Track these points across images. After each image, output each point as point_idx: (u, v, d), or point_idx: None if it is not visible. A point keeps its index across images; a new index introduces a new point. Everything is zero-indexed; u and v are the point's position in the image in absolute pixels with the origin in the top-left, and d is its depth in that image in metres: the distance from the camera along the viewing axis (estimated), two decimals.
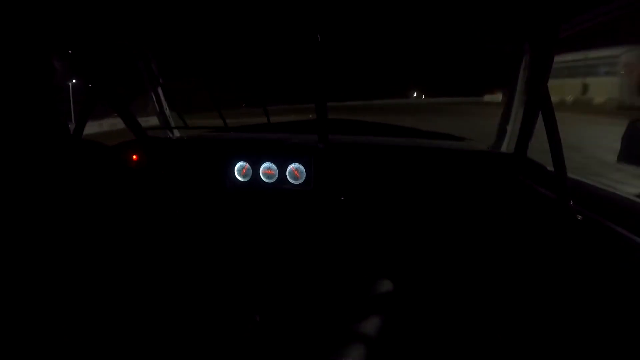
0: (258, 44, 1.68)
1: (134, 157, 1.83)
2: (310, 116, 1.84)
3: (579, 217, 1.15)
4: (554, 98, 1.20)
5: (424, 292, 1.49)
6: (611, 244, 1.00)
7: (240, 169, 1.68)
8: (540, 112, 1.28)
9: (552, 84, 1.23)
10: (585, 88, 18.03)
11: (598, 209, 1.18)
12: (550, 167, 1.34)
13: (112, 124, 8.95)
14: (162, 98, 1.99)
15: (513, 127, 1.52)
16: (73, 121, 1.66)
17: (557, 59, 1.24)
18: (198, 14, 1.46)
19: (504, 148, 1.55)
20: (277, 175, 1.64)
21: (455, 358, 1.20)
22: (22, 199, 0.56)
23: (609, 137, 7.60)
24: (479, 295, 1.40)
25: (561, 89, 17.29)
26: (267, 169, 1.64)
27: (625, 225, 1.00)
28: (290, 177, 1.62)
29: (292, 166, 1.61)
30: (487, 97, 23.90)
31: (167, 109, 2.02)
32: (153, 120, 2.13)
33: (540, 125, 1.31)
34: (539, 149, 1.43)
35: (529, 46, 1.38)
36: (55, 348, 0.53)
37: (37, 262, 0.52)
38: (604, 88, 16.49)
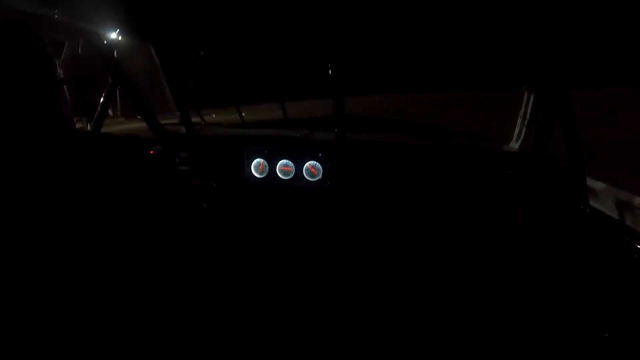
0: (275, 40, 1.68)
1: (151, 152, 1.86)
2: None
3: (596, 219, 1.15)
4: None
5: (440, 291, 1.50)
6: (626, 245, 0.99)
7: (257, 166, 1.70)
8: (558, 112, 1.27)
9: None
10: None
11: (615, 211, 1.17)
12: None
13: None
14: (180, 93, 2.01)
15: (532, 126, 1.51)
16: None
17: None
18: (217, 9, 1.47)
19: (523, 147, 1.54)
20: (293, 172, 1.65)
21: (460, 356, 1.21)
22: (25, 196, 0.58)
23: None
24: (496, 296, 1.41)
25: None
26: (283, 166, 1.66)
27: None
28: (306, 174, 1.64)
29: (309, 163, 1.63)
30: None
31: (184, 104, 2.04)
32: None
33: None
34: None
35: (545, 42, 1.36)
36: (56, 346, 0.54)
37: (51, 257, 0.54)
38: None
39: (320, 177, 1.63)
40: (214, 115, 2.69)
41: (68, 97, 1.74)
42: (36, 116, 0.65)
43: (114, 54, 1.71)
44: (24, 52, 0.64)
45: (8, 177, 0.57)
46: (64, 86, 1.49)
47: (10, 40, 0.61)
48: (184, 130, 1.98)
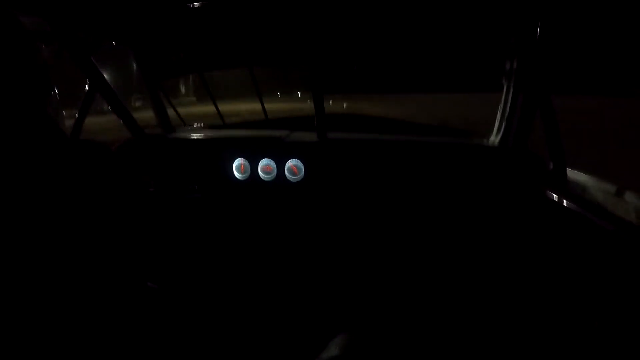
0: (256, 36, 1.66)
1: (131, 155, 1.82)
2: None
3: (576, 212, 1.15)
4: None
5: (421, 290, 1.49)
6: (607, 237, 0.99)
7: (238, 166, 1.67)
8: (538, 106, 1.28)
9: None
10: None
11: (597, 203, 1.18)
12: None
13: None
14: (159, 95, 1.98)
15: (511, 121, 1.51)
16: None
17: None
18: (197, 11, 1.44)
19: (502, 142, 1.54)
20: (275, 172, 1.63)
21: (456, 356, 1.20)
22: (18, 203, 0.54)
23: None
24: (477, 293, 1.40)
25: None
26: (265, 166, 1.63)
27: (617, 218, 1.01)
28: (289, 174, 1.62)
29: (291, 163, 1.61)
30: None
31: (164, 106, 2.01)
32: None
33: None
34: None
35: (526, 37, 1.37)
36: (57, 348, 0.52)
37: (39, 263, 0.51)
38: None
39: (302, 175, 1.61)
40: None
41: (57, 92, 1.69)
42: (17, 113, 0.60)
43: (90, 58, 1.67)
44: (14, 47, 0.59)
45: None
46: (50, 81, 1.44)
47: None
48: (164, 133, 1.94)
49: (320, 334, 0.97)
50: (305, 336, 1.13)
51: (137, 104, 18.04)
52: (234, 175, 1.68)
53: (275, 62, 1.93)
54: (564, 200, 1.21)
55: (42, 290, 0.51)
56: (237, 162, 1.67)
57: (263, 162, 1.64)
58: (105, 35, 1.67)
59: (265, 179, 1.64)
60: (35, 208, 0.55)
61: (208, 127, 2.04)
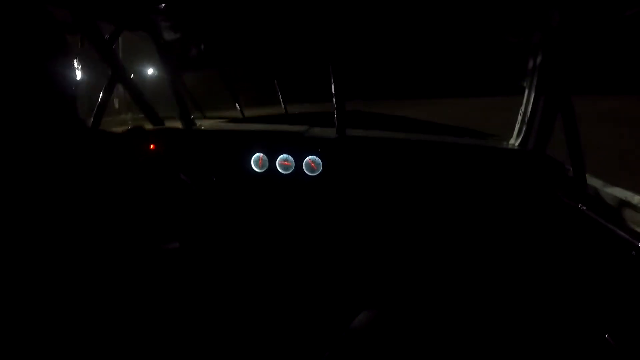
0: (278, 36, 1.68)
1: (151, 147, 1.86)
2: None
3: (593, 218, 1.15)
4: None
5: (435, 288, 1.50)
6: (624, 244, 0.99)
7: (256, 160, 1.69)
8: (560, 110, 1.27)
9: None
10: None
11: (614, 209, 1.17)
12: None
13: None
14: (181, 88, 2.01)
15: (532, 124, 1.51)
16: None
17: None
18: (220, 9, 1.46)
19: (523, 145, 1.54)
20: (293, 167, 1.65)
21: (459, 356, 1.21)
22: (34, 197, 0.55)
23: None
24: (489, 296, 1.41)
25: None
26: (283, 161, 1.65)
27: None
28: (306, 169, 1.63)
29: (309, 158, 1.62)
30: None
31: (185, 99, 2.04)
32: None
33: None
34: None
35: (547, 40, 1.36)
36: (60, 348, 0.53)
37: (48, 260, 0.52)
38: None
39: (320, 171, 1.62)
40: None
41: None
42: (49, 115, 0.60)
43: (113, 48, 1.70)
44: (36, 31, 0.58)
45: (10, 182, 0.53)
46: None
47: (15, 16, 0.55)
48: (184, 125, 1.98)
49: (333, 328, 0.99)
50: (318, 329, 1.16)
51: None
52: (252, 168, 1.70)
53: (294, 59, 1.94)
54: (582, 206, 1.21)
55: (57, 278, 0.52)
56: (256, 156, 1.69)
57: (281, 157, 1.65)
58: (126, 26, 1.70)
59: (283, 174, 1.66)
60: (54, 199, 0.55)
61: (228, 120, 2.06)
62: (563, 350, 1.12)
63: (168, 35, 1.87)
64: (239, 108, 2.05)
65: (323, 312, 1.35)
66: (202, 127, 1.95)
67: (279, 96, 2.08)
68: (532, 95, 1.48)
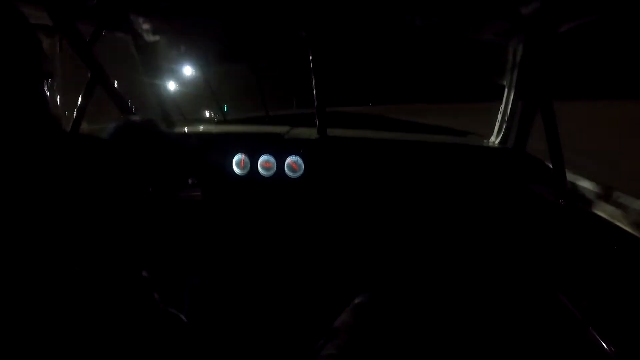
0: (261, 37, 1.66)
1: (131, 149, 1.82)
2: None
3: (575, 215, 1.15)
4: None
5: (418, 287, 1.49)
6: (605, 239, 1.00)
7: (238, 162, 1.67)
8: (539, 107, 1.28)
9: None
10: None
11: (595, 205, 1.18)
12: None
13: None
14: (161, 91, 1.98)
15: (512, 122, 1.52)
16: None
17: None
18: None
19: (502, 143, 1.55)
20: (275, 168, 1.63)
21: (454, 356, 1.20)
22: (14, 200, 0.53)
23: None
24: (474, 292, 1.40)
25: None
26: (265, 162, 1.64)
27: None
28: (288, 170, 1.62)
29: (291, 159, 1.61)
30: None
31: (165, 101, 2.01)
32: None
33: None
34: None
35: (527, 39, 1.36)
36: (56, 348, 0.51)
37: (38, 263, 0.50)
38: None
39: (301, 172, 1.61)
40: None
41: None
42: (19, 112, 0.58)
43: (91, 50, 1.66)
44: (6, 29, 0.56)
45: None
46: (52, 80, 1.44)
47: None
48: (164, 125, 1.94)
49: (318, 330, 0.97)
50: (304, 332, 1.14)
51: None
52: (234, 170, 1.68)
53: (278, 56, 1.92)
54: (562, 202, 1.22)
55: (41, 287, 0.51)
56: (237, 158, 1.67)
57: (263, 158, 1.64)
58: (106, 26, 1.66)
59: (265, 175, 1.64)
60: (33, 205, 0.53)
61: (209, 122, 2.04)
62: (543, 340, 1.11)
63: (148, 37, 1.85)
64: (220, 110, 2.02)
65: (307, 312, 1.34)
66: (184, 130, 1.92)
67: (261, 98, 2.06)
68: (512, 93, 1.49)
